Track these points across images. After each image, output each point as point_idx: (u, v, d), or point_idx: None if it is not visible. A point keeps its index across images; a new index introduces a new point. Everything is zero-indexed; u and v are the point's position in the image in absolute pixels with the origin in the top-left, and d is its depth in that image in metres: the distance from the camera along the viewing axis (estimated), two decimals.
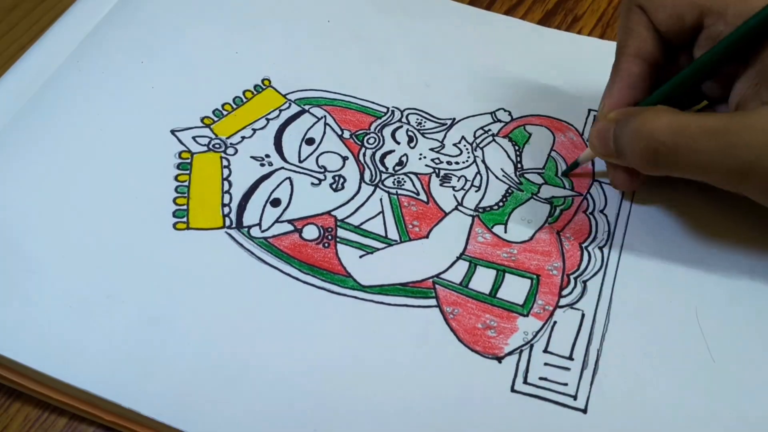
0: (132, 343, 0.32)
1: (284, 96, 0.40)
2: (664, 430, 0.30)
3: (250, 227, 0.35)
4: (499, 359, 0.32)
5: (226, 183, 0.37)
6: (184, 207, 0.36)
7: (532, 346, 0.32)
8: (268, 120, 0.39)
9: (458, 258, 0.35)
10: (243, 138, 0.39)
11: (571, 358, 0.32)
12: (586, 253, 0.34)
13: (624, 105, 0.33)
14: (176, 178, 0.37)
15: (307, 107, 0.40)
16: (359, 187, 0.37)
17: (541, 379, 0.31)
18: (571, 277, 0.34)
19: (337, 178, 0.37)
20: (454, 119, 0.39)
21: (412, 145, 0.38)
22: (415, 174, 0.37)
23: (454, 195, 0.37)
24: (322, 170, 0.38)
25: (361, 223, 0.36)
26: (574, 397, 0.31)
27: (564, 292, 0.33)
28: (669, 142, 0.29)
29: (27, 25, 0.46)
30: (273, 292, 0.33)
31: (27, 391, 0.32)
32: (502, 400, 0.31)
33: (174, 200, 0.36)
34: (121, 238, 0.35)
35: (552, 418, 0.30)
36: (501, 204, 0.36)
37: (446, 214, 0.36)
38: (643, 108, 0.32)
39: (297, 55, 0.42)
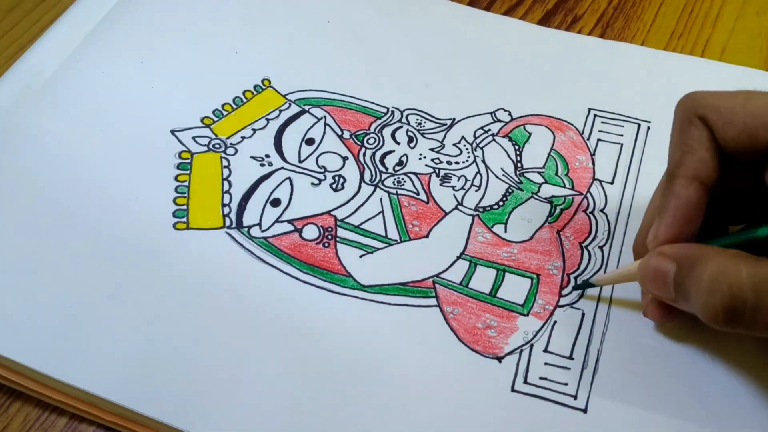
0: (132, 343, 0.32)
1: (284, 96, 0.40)
2: (664, 430, 0.30)
3: (250, 227, 0.35)
4: (499, 359, 0.32)
5: (226, 183, 0.37)
6: (184, 207, 0.36)
7: (532, 346, 0.32)
8: (268, 120, 0.39)
9: (458, 257, 0.34)
10: (243, 138, 0.39)
11: (571, 357, 0.32)
12: (586, 253, 0.34)
13: (678, 238, 0.29)
14: (176, 178, 0.37)
15: (307, 107, 0.40)
16: (359, 187, 0.37)
17: (541, 378, 0.31)
18: (572, 276, 0.34)
19: (337, 178, 0.37)
20: (454, 119, 0.39)
21: (412, 145, 0.38)
22: (415, 174, 0.37)
23: (454, 195, 0.36)
24: (322, 170, 0.37)
25: (361, 223, 0.36)
26: (575, 397, 0.30)
27: (564, 292, 0.33)
28: (752, 300, 0.25)
29: (27, 25, 0.46)
30: (273, 292, 0.33)
31: (27, 391, 0.32)
32: (503, 400, 0.30)
33: (174, 200, 0.36)
34: (122, 238, 0.35)
35: (552, 418, 0.30)
36: (501, 203, 0.36)
37: (446, 214, 0.36)
38: (709, 250, 0.27)
39: (297, 56, 0.42)
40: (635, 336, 0.32)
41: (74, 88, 0.40)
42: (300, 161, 0.38)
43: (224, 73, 0.41)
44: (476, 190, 0.37)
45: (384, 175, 0.37)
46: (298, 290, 0.33)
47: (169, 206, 0.36)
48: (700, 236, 0.29)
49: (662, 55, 0.42)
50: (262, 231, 0.35)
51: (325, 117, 0.39)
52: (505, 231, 0.35)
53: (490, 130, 0.39)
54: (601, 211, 0.36)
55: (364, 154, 0.38)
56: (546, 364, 0.31)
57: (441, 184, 0.37)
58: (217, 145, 0.38)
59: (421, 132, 0.39)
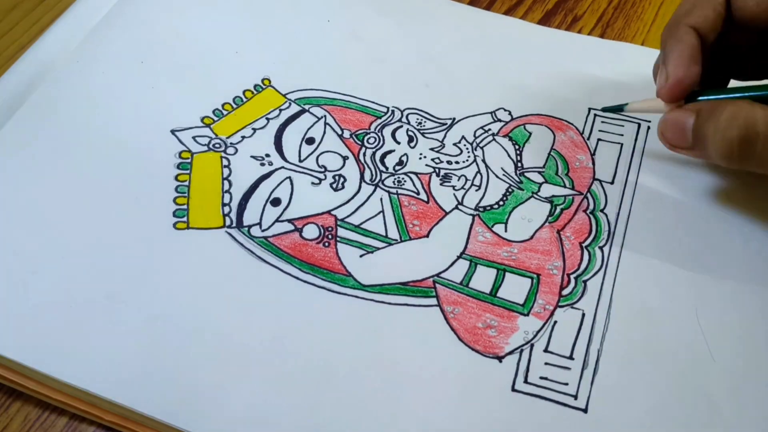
0: (132, 343, 0.32)
1: (284, 95, 0.40)
2: (665, 428, 0.30)
3: (250, 227, 0.35)
4: (500, 358, 0.31)
5: (226, 182, 0.37)
6: (185, 207, 0.36)
7: (532, 346, 0.32)
8: (268, 119, 0.39)
9: (458, 257, 0.34)
10: (243, 137, 0.38)
11: (571, 357, 0.31)
12: (586, 253, 0.34)
13: (684, 79, 0.32)
14: (176, 178, 0.37)
15: (307, 107, 0.40)
16: (359, 187, 0.37)
17: (541, 378, 0.31)
18: (572, 276, 0.34)
19: (337, 177, 0.37)
20: (454, 119, 0.39)
21: (412, 144, 0.38)
22: (416, 173, 0.37)
23: (454, 194, 0.36)
24: (323, 170, 0.37)
25: (362, 223, 0.36)
26: (575, 397, 0.30)
27: (564, 292, 0.33)
28: (765, 132, 0.29)
29: (27, 26, 0.46)
30: (273, 292, 0.33)
31: (27, 391, 0.32)
32: (503, 400, 0.30)
33: (174, 200, 0.36)
34: (122, 237, 0.35)
35: (552, 418, 0.30)
36: (501, 203, 0.36)
37: (446, 214, 0.36)
38: (726, 101, 0.31)
39: (297, 55, 0.42)
40: (636, 335, 0.32)
41: (74, 87, 0.40)
42: (300, 161, 0.38)
43: (224, 72, 0.41)
44: (476, 190, 0.37)
45: (384, 175, 0.37)
46: (299, 290, 0.33)
47: (169, 206, 0.36)
48: (705, 87, 0.33)
49: None
50: (263, 230, 0.35)
51: (325, 116, 0.39)
52: (506, 230, 0.35)
53: (490, 129, 0.39)
54: (601, 211, 0.36)
55: (364, 154, 0.38)
56: (546, 363, 0.31)
57: (441, 184, 0.37)
58: (217, 145, 0.38)
59: (422, 131, 0.39)
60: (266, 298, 0.33)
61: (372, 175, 0.37)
